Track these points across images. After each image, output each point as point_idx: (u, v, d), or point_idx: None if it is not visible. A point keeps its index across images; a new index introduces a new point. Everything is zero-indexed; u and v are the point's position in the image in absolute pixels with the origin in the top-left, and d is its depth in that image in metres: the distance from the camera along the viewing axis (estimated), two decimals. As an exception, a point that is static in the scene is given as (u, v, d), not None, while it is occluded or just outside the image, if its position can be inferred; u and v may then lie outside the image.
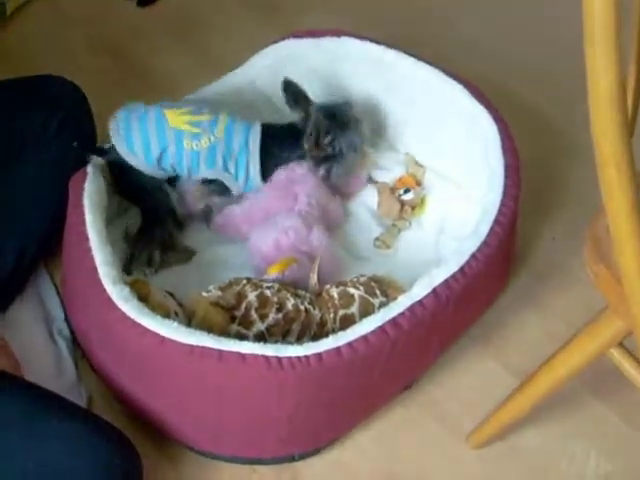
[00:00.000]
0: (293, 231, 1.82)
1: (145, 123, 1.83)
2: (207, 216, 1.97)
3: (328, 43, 2.08)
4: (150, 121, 1.83)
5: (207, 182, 1.92)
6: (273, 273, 1.73)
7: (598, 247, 1.21)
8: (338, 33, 2.08)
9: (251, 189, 1.94)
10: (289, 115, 1.96)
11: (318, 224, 1.87)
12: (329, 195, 1.97)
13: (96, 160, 1.84)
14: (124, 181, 1.88)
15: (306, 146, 1.90)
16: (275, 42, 2.12)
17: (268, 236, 1.83)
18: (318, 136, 1.87)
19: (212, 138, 1.85)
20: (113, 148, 1.85)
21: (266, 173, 1.93)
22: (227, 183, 1.92)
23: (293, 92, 1.94)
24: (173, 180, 1.91)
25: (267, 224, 1.86)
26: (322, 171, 1.94)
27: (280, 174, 1.93)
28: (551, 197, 2.17)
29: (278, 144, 1.94)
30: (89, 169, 1.80)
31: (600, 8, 0.83)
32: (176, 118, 1.83)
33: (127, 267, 1.84)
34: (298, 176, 1.92)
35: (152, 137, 1.83)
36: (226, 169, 1.89)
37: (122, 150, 1.84)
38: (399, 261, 1.95)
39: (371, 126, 2.05)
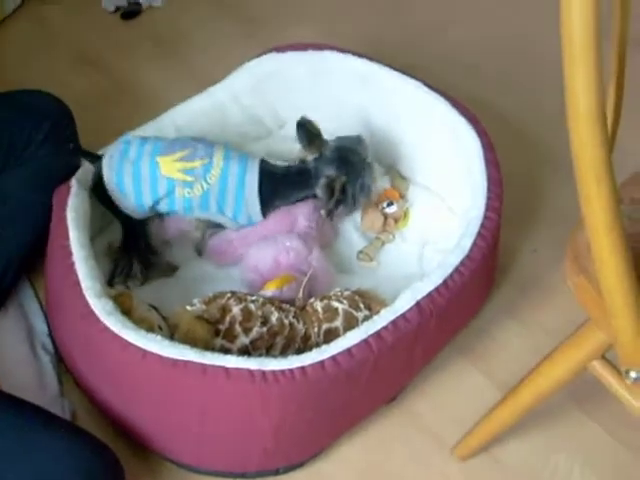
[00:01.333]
0: (294, 252, 1.82)
1: (139, 174, 1.79)
2: (199, 248, 1.97)
3: (310, 57, 2.08)
4: (144, 171, 1.79)
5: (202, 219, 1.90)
6: (271, 289, 1.73)
7: (579, 259, 1.21)
8: (320, 46, 2.09)
9: (252, 224, 1.91)
10: (283, 137, 1.92)
11: (315, 245, 1.87)
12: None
13: (80, 174, 1.83)
14: (106, 200, 1.87)
15: (319, 195, 1.85)
16: (257, 56, 2.12)
17: (267, 253, 1.83)
18: (332, 192, 1.83)
19: (205, 185, 1.81)
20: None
21: (268, 211, 1.89)
22: (225, 224, 1.90)
23: (308, 132, 1.88)
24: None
25: (266, 242, 1.86)
26: (325, 211, 1.89)
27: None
28: (532, 209, 2.18)
29: (283, 185, 1.89)
30: (73, 182, 1.80)
31: (579, 27, 0.83)
32: (169, 166, 1.79)
33: (110, 281, 1.83)
34: (296, 200, 1.92)
35: (145, 189, 1.80)
36: (221, 212, 1.86)
37: (116, 196, 1.82)
38: (382, 274, 1.96)
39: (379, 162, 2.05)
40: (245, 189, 1.85)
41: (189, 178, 1.80)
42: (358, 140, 1.90)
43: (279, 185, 1.89)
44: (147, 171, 1.80)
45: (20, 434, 1.44)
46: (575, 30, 0.83)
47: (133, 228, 1.88)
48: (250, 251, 1.87)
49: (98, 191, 1.84)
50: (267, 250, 1.84)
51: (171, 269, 1.93)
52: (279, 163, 1.93)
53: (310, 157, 1.89)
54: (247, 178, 1.84)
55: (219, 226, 1.92)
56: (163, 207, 1.84)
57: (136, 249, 1.89)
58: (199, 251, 1.97)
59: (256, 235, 1.90)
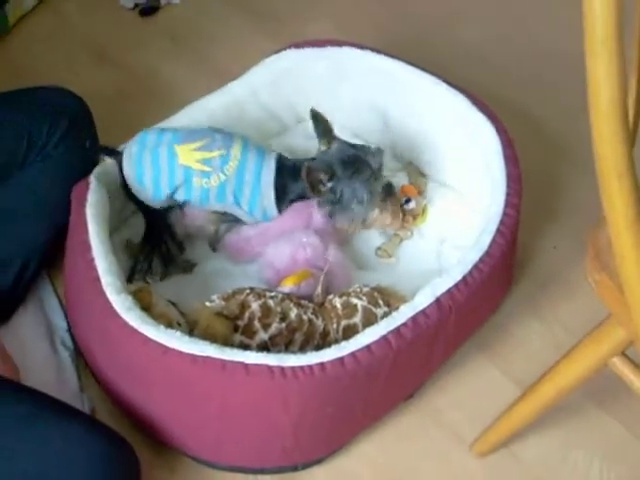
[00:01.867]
0: (310, 247, 1.81)
1: (157, 162, 1.80)
2: (213, 242, 1.96)
3: (329, 53, 2.08)
4: (162, 159, 1.80)
5: (218, 212, 1.89)
6: (288, 285, 1.74)
7: (600, 256, 1.21)
8: (339, 43, 2.09)
9: (268, 219, 1.90)
10: (301, 134, 1.91)
11: (332, 240, 1.87)
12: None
13: (99, 170, 1.84)
14: (129, 192, 1.87)
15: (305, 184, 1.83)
16: (276, 52, 2.12)
17: (284, 250, 1.83)
18: (314, 179, 1.79)
19: (222, 176, 1.80)
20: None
21: (283, 206, 1.88)
22: (240, 217, 1.89)
23: (319, 123, 1.86)
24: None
25: (283, 239, 1.85)
26: (323, 213, 1.86)
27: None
28: (552, 205, 2.17)
29: (291, 179, 1.86)
30: (92, 179, 1.80)
31: (601, 19, 0.83)
32: (187, 155, 1.80)
33: (130, 277, 1.84)
34: (312, 196, 1.90)
35: (163, 178, 1.80)
36: (238, 204, 1.85)
37: (133, 186, 1.83)
38: (401, 270, 1.95)
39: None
40: (261, 182, 1.84)
41: (207, 168, 1.80)
42: (371, 151, 1.85)
43: (288, 179, 1.87)
44: (165, 159, 1.80)
45: (36, 423, 1.44)
46: (597, 20, 0.83)
47: (157, 222, 1.89)
48: (267, 248, 1.87)
49: (126, 186, 1.85)
50: (284, 247, 1.84)
51: (190, 266, 1.93)
52: (292, 158, 1.92)
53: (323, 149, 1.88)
54: (263, 172, 1.84)
55: (234, 220, 1.92)
56: (180, 196, 1.84)
57: (158, 243, 1.89)
58: (213, 246, 1.98)
59: (273, 232, 1.89)
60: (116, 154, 1.85)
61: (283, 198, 1.87)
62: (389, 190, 1.89)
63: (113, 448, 1.47)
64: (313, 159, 1.86)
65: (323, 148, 1.86)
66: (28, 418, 1.46)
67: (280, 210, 1.88)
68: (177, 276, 1.91)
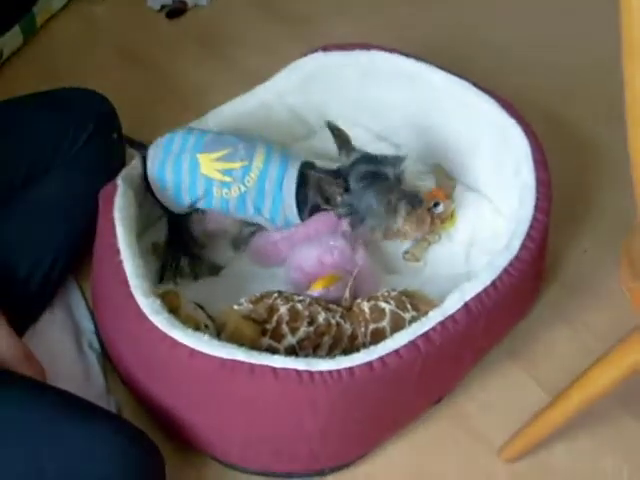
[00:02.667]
0: (338, 251, 1.81)
1: (179, 171, 1.80)
2: (237, 242, 1.97)
3: (358, 56, 2.07)
4: (184, 169, 1.80)
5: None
6: (318, 289, 1.73)
7: (634, 264, 1.20)
8: (367, 46, 2.08)
9: (290, 226, 1.89)
10: (328, 137, 1.89)
11: (360, 244, 1.86)
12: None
13: (125, 173, 1.84)
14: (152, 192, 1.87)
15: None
16: (304, 55, 2.12)
17: (311, 253, 1.83)
18: (326, 193, 1.80)
19: (242, 188, 1.80)
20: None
21: (305, 214, 1.87)
22: (262, 224, 1.89)
23: (336, 135, 1.86)
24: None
25: (310, 243, 1.85)
26: (345, 224, 1.85)
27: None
28: (582, 209, 2.15)
29: (316, 191, 1.83)
30: (119, 182, 1.80)
31: None
32: (209, 164, 1.79)
33: (159, 278, 1.85)
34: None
35: (184, 187, 1.81)
36: (259, 213, 1.85)
37: (156, 190, 1.84)
38: (429, 275, 1.95)
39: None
40: (283, 191, 1.83)
41: (227, 179, 1.80)
42: (389, 160, 1.82)
43: (310, 189, 1.85)
44: (187, 169, 1.80)
45: (60, 422, 1.45)
46: (635, 26, 0.83)
47: (179, 222, 1.90)
48: (295, 251, 1.87)
49: (149, 187, 1.85)
50: (311, 250, 1.84)
51: (216, 268, 1.94)
52: (319, 163, 1.90)
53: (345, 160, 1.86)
54: (285, 181, 1.83)
55: (256, 225, 1.92)
56: (200, 205, 1.85)
57: (181, 243, 1.90)
58: (236, 245, 1.98)
59: (300, 235, 1.89)
60: (141, 146, 1.86)
61: (305, 206, 1.87)
62: (414, 201, 1.84)
63: (137, 446, 1.47)
64: (335, 171, 1.84)
65: (344, 159, 1.85)
66: (52, 416, 1.46)
67: (302, 219, 1.88)
68: (205, 279, 1.91)
